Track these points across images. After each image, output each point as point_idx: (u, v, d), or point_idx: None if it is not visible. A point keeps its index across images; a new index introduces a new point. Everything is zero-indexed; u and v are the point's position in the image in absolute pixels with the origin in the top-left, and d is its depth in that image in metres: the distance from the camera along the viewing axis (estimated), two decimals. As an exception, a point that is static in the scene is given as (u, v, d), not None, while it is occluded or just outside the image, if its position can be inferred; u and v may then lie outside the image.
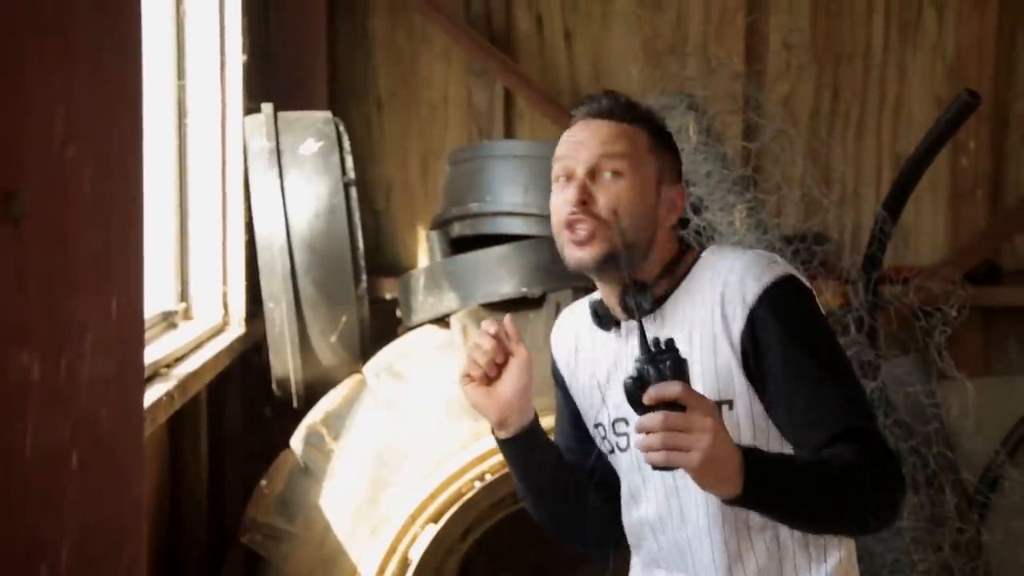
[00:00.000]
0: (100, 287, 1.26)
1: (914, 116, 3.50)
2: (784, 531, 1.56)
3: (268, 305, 2.80)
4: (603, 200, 1.56)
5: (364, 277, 2.85)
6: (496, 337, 1.57)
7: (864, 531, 1.57)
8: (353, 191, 2.86)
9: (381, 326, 3.04)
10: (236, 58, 2.92)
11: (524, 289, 2.68)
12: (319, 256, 2.81)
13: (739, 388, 1.53)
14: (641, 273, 1.59)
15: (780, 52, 3.51)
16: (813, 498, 1.44)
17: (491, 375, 1.58)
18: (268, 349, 2.84)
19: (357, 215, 2.85)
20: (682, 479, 1.51)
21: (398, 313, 3.01)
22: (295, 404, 2.85)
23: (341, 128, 2.91)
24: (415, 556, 2.62)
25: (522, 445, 1.62)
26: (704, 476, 1.35)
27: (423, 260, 3.46)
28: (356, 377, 2.75)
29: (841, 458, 1.45)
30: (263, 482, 2.70)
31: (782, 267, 1.56)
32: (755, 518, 1.54)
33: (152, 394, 2.12)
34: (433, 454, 2.65)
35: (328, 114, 2.96)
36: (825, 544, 1.57)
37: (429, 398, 2.66)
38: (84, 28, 1.20)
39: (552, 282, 2.69)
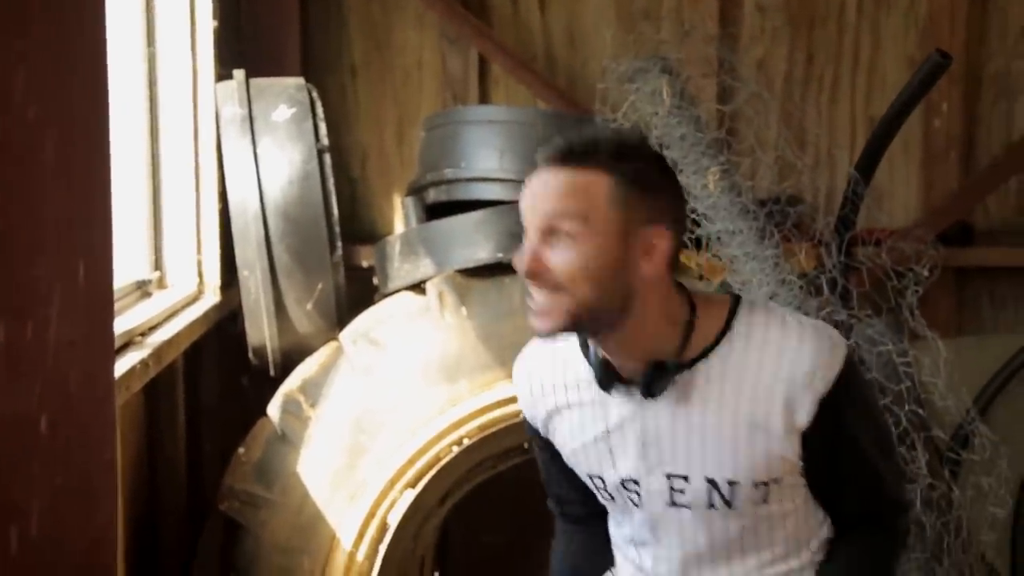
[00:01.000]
0: (66, 250, 1.25)
1: (887, 79, 3.50)
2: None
3: (243, 273, 2.79)
4: (558, 267, 1.49)
5: (339, 244, 2.84)
6: None
7: None
8: (327, 158, 2.84)
9: (357, 293, 3.04)
10: (207, 24, 2.90)
11: (500, 255, 2.68)
12: (293, 223, 2.80)
13: (788, 467, 1.57)
14: (633, 331, 1.52)
15: (754, 15, 3.50)
16: None
17: None
18: (244, 317, 2.83)
19: (332, 182, 2.84)
20: (709, 561, 1.62)
21: (374, 280, 3.00)
22: (272, 372, 2.84)
23: (314, 94, 2.89)
24: (393, 521, 2.64)
25: None
26: None
27: (399, 227, 3.45)
28: (333, 344, 2.75)
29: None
30: (241, 450, 2.70)
31: (842, 348, 1.55)
32: None
33: (126, 362, 2.12)
34: (410, 420, 2.66)
35: (301, 80, 2.94)
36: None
37: (406, 364, 2.67)
38: (44, -12, 1.18)
39: (527, 247, 2.68)
